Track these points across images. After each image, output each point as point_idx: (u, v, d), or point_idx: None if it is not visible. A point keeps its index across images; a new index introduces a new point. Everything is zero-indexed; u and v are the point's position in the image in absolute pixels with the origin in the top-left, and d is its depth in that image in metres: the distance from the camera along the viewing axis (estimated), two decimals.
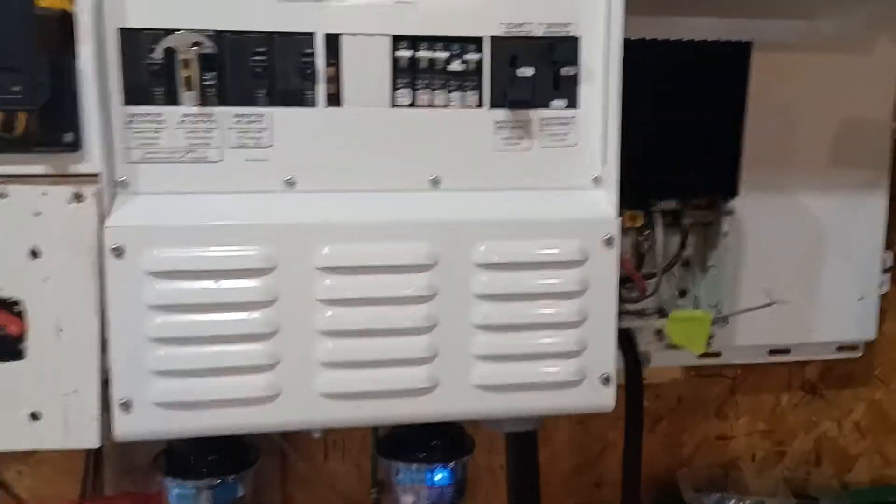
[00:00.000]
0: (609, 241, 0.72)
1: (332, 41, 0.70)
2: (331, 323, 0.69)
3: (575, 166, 0.74)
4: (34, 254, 0.66)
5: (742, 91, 0.81)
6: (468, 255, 0.71)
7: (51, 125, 0.66)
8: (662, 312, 0.85)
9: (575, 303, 0.72)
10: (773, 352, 1.03)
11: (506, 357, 0.72)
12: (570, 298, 0.72)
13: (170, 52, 0.67)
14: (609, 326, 0.73)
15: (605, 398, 0.74)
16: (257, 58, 0.69)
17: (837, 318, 1.02)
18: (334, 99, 0.71)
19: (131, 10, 0.66)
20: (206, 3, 0.67)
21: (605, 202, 0.74)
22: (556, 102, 0.73)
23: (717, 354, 1.01)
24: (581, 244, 0.72)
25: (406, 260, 0.70)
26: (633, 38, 0.73)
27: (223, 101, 0.69)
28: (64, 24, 0.65)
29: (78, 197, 0.66)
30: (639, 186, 0.78)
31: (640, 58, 0.74)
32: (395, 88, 0.71)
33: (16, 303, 0.66)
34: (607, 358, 0.74)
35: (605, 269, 0.73)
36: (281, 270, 0.68)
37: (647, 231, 0.84)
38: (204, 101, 0.69)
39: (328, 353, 0.69)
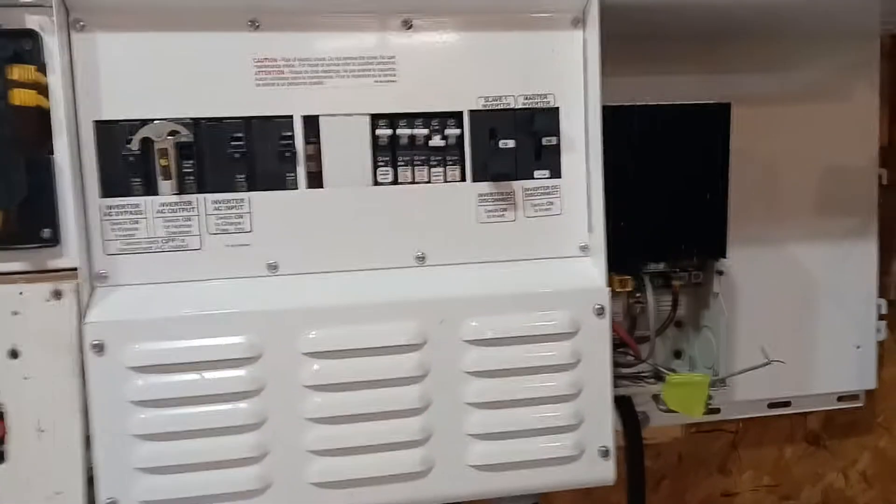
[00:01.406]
0: (600, 311, 0.71)
1: (311, 122, 0.69)
2: (320, 409, 0.67)
3: (561, 235, 0.74)
4: (13, 354, 0.64)
5: (724, 151, 0.81)
6: (458, 331, 0.69)
7: (28, 221, 0.65)
8: (658, 375, 0.83)
9: (569, 375, 0.71)
10: (773, 405, 1.02)
11: (501, 435, 0.70)
12: (563, 371, 0.71)
13: (147, 142, 0.67)
14: (605, 397, 0.72)
15: (605, 471, 0.72)
16: (235, 143, 0.68)
17: (836, 369, 1.00)
18: (315, 180, 0.70)
19: (107, 103, 0.66)
20: (182, 91, 0.67)
21: (593, 270, 0.73)
22: (539, 172, 0.73)
23: (717, 410, 0.99)
24: (572, 315, 0.71)
25: (394, 340, 0.68)
26: (612, 104, 0.73)
27: (202, 189, 0.68)
28: (38, 119, 0.64)
29: (57, 294, 0.64)
30: (627, 251, 0.77)
31: (620, 123, 0.74)
32: (376, 166, 0.71)
33: None
34: (605, 430, 0.72)
35: (598, 338, 0.71)
36: (266, 358, 0.67)
37: (638, 294, 0.83)
38: (182, 190, 0.68)
39: (318, 441, 0.67)
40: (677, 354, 0.91)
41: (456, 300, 0.70)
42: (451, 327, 0.69)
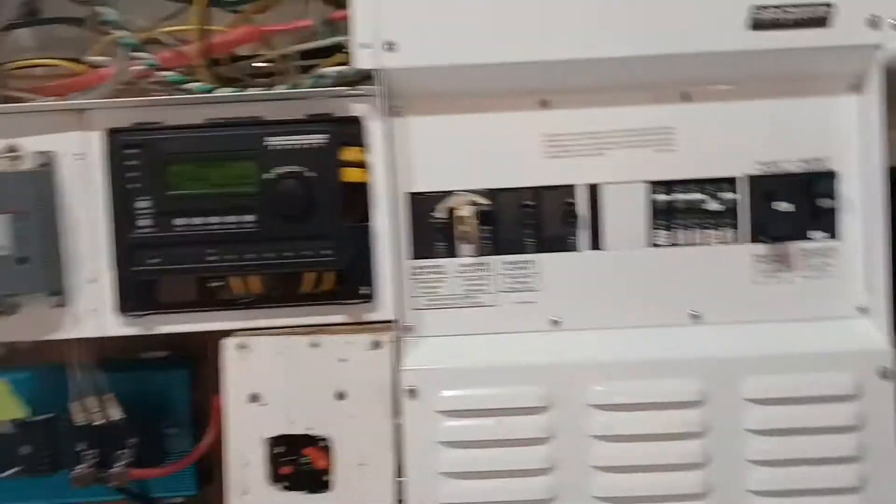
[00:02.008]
0: (884, 373, 0.71)
1: (593, 190, 0.75)
2: (605, 458, 0.72)
3: (838, 296, 0.74)
4: (340, 395, 0.74)
5: None
6: (737, 390, 0.72)
7: (351, 280, 0.75)
8: None
9: (852, 437, 0.71)
10: None
11: (783, 493, 0.71)
12: (846, 433, 0.71)
13: (450, 211, 0.75)
14: (891, 460, 0.71)
15: None
16: (525, 210, 0.75)
17: None
18: (595, 242, 0.75)
19: (418, 177, 0.75)
20: (480, 165, 0.75)
21: (874, 332, 0.73)
22: (816, 234, 0.75)
23: None
24: (854, 377, 0.71)
25: (675, 396, 0.72)
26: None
27: (496, 251, 0.76)
28: (363, 193, 0.74)
29: (376, 344, 0.74)
30: None
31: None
32: (653, 229, 0.75)
33: (324, 439, 0.74)
34: (892, 493, 0.71)
35: (882, 401, 0.71)
36: (555, 408, 0.72)
37: None
38: (479, 252, 0.76)
39: (603, 488, 0.72)
40: None
41: (735, 359, 0.72)
42: (731, 385, 0.72)
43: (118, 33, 0.72)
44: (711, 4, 0.70)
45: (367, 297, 0.75)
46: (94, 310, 0.75)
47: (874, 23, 0.70)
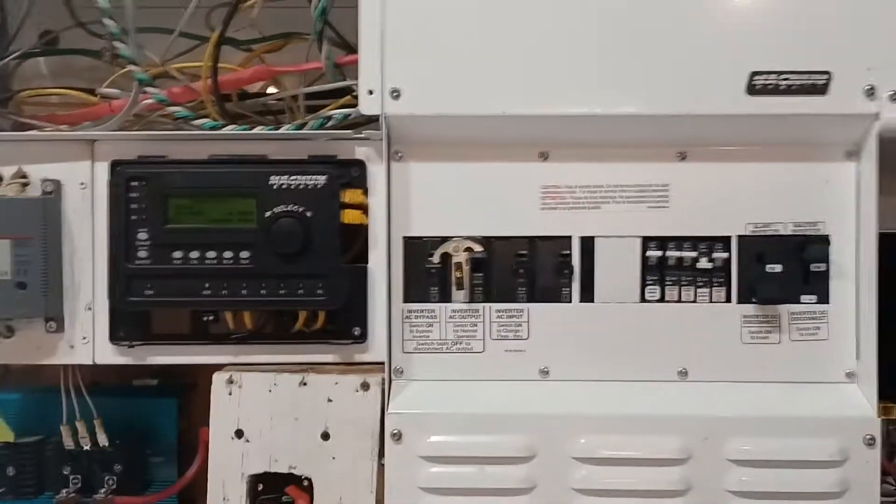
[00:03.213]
0: (870, 441, 0.71)
1: (587, 243, 0.76)
2: None
3: (826, 361, 0.75)
4: (325, 436, 0.74)
5: None
6: (721, 450, 0.72)
7: (344, 320, 0.76)
8: None
9: None
10: None
11: None
12: (829, 499, 0.71)
13: (445, 256, 0.76)
14: None
15: None
16: (519, 259, 0.76)
17: None
18: (587, 294, 0.76)
19: (415, 221, 0.76)
20: (477, 213, 0.76)
21: (861, 399, 0.73)
22: (806, 298, 0.75)
23: None
24: (840, 443, 0.71)
25: (659, 453, 0.72)
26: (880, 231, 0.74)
27: (488, 298, 0.76)
28: (361, 235, 0.75)
29: (365, 385, 0.74)
30: (889, 376, 0.76)
31: (885, 250, 0.74)
32: (644, 284, 0.76)
33: (307, 479, 0.74)
34: None
35: (867, 469, 0.71)
36: (539, 458, 0.72)
37: None
38: (472, 299, 0.76)
39: None
40: None
41: (721, 419, 0.72)
42: (715, 445, 0.72)
43: (131, 68, 0.74)
44: (711, 68, 0.71)
45: (359, 338, 0.76)
46: (88, 337, 0.76)
47: (871, 93, 0.72)
